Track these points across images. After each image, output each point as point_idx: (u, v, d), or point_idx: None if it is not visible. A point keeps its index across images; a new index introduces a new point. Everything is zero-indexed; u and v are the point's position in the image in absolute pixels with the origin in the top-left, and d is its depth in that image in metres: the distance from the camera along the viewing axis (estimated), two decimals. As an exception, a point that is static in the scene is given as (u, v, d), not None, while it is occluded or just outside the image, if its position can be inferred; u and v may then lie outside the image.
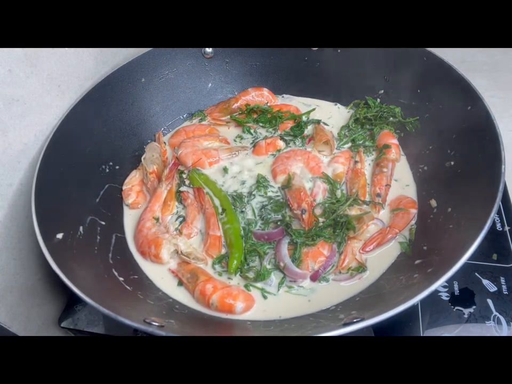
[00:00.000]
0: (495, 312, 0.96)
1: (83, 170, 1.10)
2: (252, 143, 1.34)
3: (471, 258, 0.74)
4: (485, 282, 1.01)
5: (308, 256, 1.01)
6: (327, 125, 1.36)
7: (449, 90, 1.09)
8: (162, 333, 0.73)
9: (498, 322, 0.95)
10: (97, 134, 1.18)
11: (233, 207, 1.14)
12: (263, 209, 1.13)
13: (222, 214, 1.12)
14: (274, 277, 1.01)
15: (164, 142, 1.36)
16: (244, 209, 1.14)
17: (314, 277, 1.00)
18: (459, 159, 1.02)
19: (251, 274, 1.02)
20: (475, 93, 0.99)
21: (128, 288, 0.96)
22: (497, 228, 1.12)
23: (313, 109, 1.40)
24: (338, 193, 1.15)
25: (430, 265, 0.85)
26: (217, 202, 1.16)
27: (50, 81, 1.05)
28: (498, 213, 1.15)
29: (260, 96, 1.44)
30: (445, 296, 1.00)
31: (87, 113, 1.14)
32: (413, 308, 0.97)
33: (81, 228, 1.01)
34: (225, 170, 1.25)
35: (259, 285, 1.00)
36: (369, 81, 1.33)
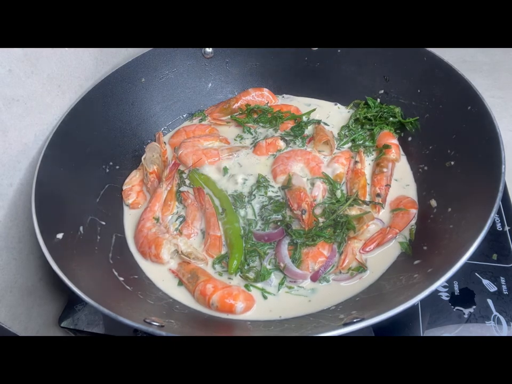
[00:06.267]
0: (495, 312, 0.96)
1: (83, 170, 1.10)
2: (252, 143, 1.34)
3: (471, 258, 0.74)
4: (485, 282, 1.01)
5: (308, 256, 1.01)
6: (327, 125, 1.36)
7: (449, 90, 1.09)
8: (162, 333, 0.73)
9: (498, 322, 0.95)
10: (97, 134, 1.18)
11: (233, 207, 1.14)
12: (263, 209, 1.13)
13: (222, 214, 1.12)
14: (275, 277, 1.01)
15: (164, 142, 1.36)
16: (244, 209, 1.14)
17: (315, 277, 1.00)
18: (459, 159, 1.02)
19: (251, 275, 1.02)
20: (475, 93, 0.99)
21: (128, 288, 0.96)
22: (497, 228, 1.12)
23: (314, 109, 1.40)
24: (338, 193, 1.16)
25: (430, 265, 0.85)
26: (217, 202, 1.16)
27: (50, 81, 1.05)
28: (498, 213, 1.15)
29: (260, 96, 1.44)
30: (445, 296, 1.00)
31: (87, 113, 1.14)
32: (413, 308, 0.97)
33: (81, 228, 1.01)
34: (225, 170, 1.25)
35: (259, 285, 1.00)
36: (369, 81, 1.33)
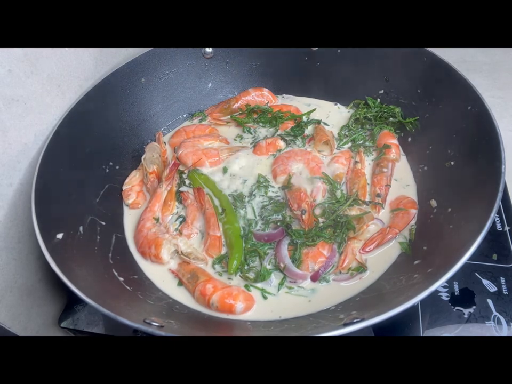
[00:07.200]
0: (495, 312, 0.96)
1: (83, 170, 1.10)
2: (252, 143, 1.34)
3: (471, 258, 0.74)
4: (485, 282, 1.01)
5: (308, 256, 1.01)
6: (327, 125, 1.36)
7: (449, 90, 1.09)
8: (162, 333, 0.73)
9: (498, 322, 0.95)
10: (97, 134, 1.18)
11: (233, 207, 1.14)
12: (263, 209, 1.13)
13: (222, 214, 1.12)
14: (275, 277, 1.01)
15: (164, 142, 1.36)
16: (244, 209, 1.14)
17: (315, 277, 0.99)
18: (459, 159, 1.02)
19: (251, 275, 1.02)
20: (475, 93, 0.99)
21: (128, 288, 0.96)
22: (497, 228, 1.12)
23: (314, 109, 1.40)
24: (338, 193, 1.15)
25: (430, 265, 0.85)
26: (217, 202, 1.16)
27: (50, 81, 1.05)
28: (498, 213, 1.15)
29: (260, 96, 1.44)
30: (445, 296, 1.00)
31: (87, 113, 1.14)
32: (413, 308, 0.97)
33: (81, 228, 1.01)
34: (225, 170, 1.25)
35: (259, 285, 1.00)
36: (369, 81, 1.33)
